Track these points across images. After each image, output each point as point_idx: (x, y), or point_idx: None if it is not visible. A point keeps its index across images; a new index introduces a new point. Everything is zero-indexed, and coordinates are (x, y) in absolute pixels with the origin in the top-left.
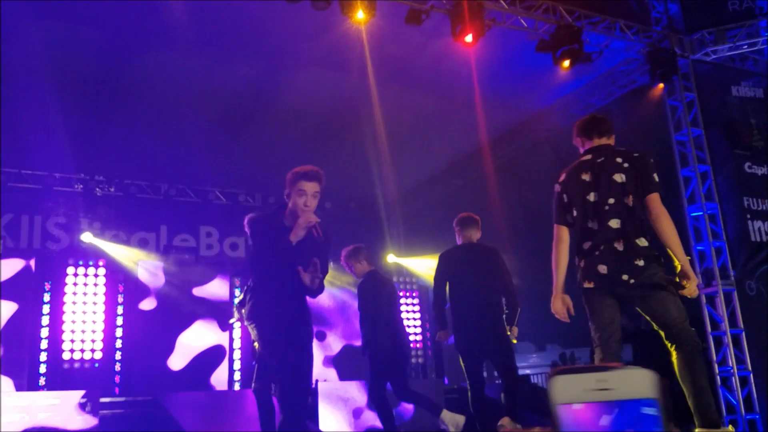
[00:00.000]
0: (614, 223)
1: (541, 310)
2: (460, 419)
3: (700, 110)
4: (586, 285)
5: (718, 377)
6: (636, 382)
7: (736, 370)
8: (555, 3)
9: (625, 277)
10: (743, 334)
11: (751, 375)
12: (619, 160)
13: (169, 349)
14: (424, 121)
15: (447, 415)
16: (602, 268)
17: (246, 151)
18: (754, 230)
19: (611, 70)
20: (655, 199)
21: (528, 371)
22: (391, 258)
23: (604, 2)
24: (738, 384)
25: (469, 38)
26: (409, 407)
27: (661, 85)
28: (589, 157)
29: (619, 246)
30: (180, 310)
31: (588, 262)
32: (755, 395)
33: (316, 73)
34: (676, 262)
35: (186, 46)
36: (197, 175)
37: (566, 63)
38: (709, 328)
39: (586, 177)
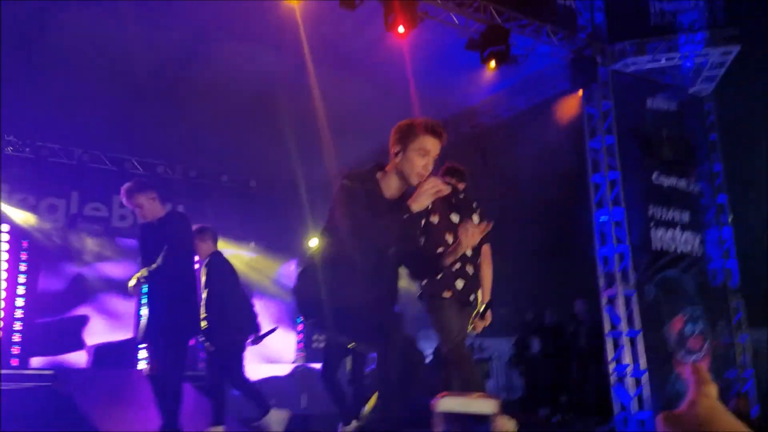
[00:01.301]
0: None
1: None
2: (284, 415)
3: (615, 119)
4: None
5: (613, 376)
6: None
7: (630, 370)
8: (486, 2)
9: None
10: (640, 336)
11: (645, 375)
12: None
13: (77, 324)
14: (356, 105)
15: (273, 416)
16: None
17: (169, 121)
18: (656, 238)
19: (536, 74)
20: None
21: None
22: (313, 242)
23: (533, 6)
24: (631, 384)
25: (401, 29)
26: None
27: (581, 91)
28: None
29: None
30: (87, 283)
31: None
32: (647, 395)
33: (247, 48)
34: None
35: (110, 5)
36: (114, 142)
37: (493, 63)
38: (607, 329)
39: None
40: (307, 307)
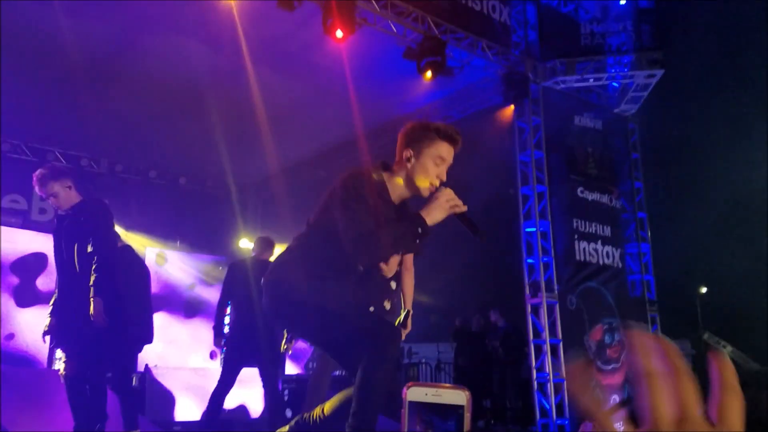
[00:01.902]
0: None
1: None
2: None
3: (544, 134)
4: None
5: (536, 383)
6: (457, 395)
7: (552, 377)
8: (424, 14)
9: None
10: (561, 344)
11: (565, 383)
12: None
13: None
14: (291, 107)
15: None
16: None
17: (95, 113)
18: (579, 250)
19: (471, 86)
20: None
21: None
22: (243, 243)
23: (471, 20)
24: (552, 390)
25: (339, 33)
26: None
27: (512, 106)
28: None
29: None
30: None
31: None
32: (567, 402)
33: (180, 42)
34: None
35: None
36: (36, 132)
37: (429, 74)
38: (531, 336)
39: None
40: (284, 309)
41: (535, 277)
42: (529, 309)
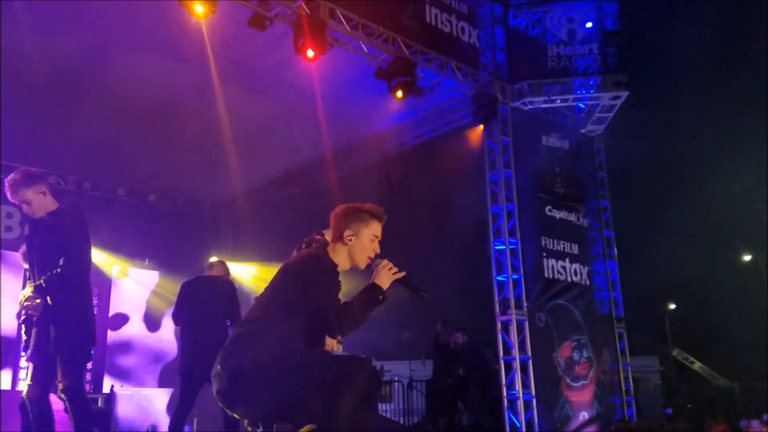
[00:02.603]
0: None
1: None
2: None
3: (513, 154)
4: None
5: (506, 400)
6: None
7: (521, 395)
8: (395, 35)
9: None
10: (530, 361)
11: (534, 400)
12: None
13: None
14: (262, 126)
15: None
16: None
17: (62, 130)
18: (548, 267)
19: (441, 106)
20: None
21: None
22: (214, 260)
23: (441, 41)
24: (522, 407)
25: (310, 53)
26: None
27: (482, 126)
28: None
29: None
30: None
31: None
32: (536, 419)
33: (149, 60)
34: None
35: (4, 6)
36: (1, 149)
37: (400, 93)
38: (501, 353)
39: None
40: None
41: (504, 294)
42: (499, 326)
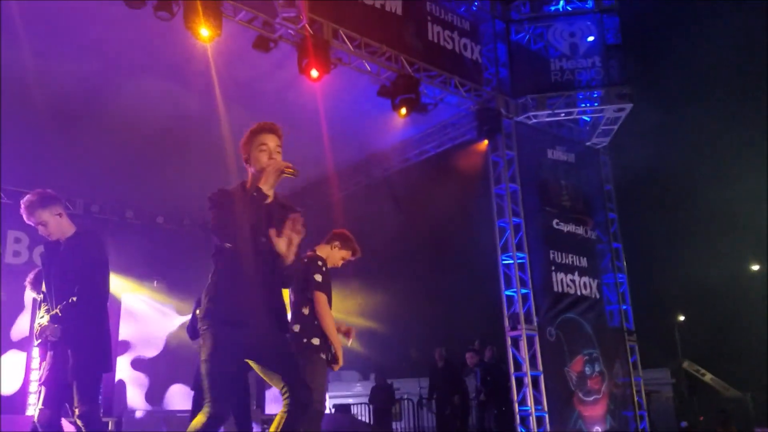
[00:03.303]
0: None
1: (365, 342)
2: None
3: (518, 168)
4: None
5: (518, 416)
6: None
7: (533, 410)
8: (398, 53)
9: None
10: (542, 376)
11: (547, 416)
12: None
13: None
14: None
15: None
16: None
17: (70, 154)
18: (557, 281)
19: (444, 122)
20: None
21: (350, 400)
22: None
23: (443, 58)
24: (535, 423)
25: (314, 73)
26: None
27: (486, 141)
28: None
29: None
30: None
31: None
32: None
33: (155, 85)
34: None
35: (10, 34)
36: (10, 173)
37: (403, 110)
38: (512, 369)
39: None
40: None
41: (514, 309)
42: (509, 341)
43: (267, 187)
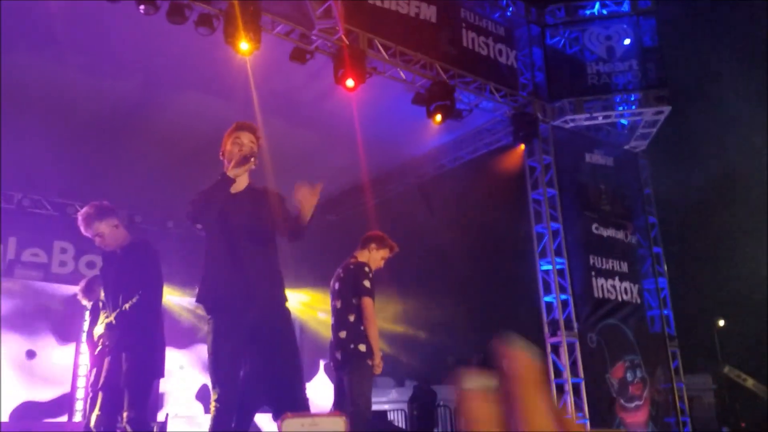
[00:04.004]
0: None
1: (401, 348)
2: None
3: (555, 172)
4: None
5: None
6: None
7: (575, 418)
8: (432, 60)
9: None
10: (583, 383)
11: (588, 423)
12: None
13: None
14: (302, 155)
15: None
16: None
17: (113, 167)
18: (597, 287)
19: (479, 128)
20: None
21: (386, 407)
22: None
23: (478, 64)
24: None
25: (350, 83)
26: None
27: (522, 146)
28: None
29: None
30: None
31: None
32: None
33: (196, 98)
34: None
35: (58, 52)
36: (56, 186)
37: (438, 117)
38: (552, 376)
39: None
40: None
41: (553, 315)
42: (548, 348)
43: (233, 173)
